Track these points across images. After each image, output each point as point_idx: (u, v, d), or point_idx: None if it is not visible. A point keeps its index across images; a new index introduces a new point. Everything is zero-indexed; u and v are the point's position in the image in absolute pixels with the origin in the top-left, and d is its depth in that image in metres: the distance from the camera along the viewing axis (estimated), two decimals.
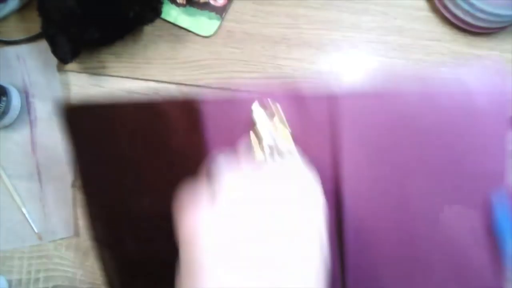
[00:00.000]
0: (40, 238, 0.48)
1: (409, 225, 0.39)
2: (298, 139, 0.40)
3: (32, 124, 0.49)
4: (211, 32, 0.50)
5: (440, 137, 0.38)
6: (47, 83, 0.49)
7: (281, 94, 0.40)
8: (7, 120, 0.47)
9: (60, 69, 0.50)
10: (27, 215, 0.48)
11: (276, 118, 0.40)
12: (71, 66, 0.49)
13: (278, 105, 0.40)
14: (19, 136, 0.49)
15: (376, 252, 0.40)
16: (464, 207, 0.38)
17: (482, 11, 0.46)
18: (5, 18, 0.50)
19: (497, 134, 0.38)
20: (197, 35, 0.50)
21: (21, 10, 0.50)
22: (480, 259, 0.39)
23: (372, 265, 0.40)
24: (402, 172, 0.39)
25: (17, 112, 0.48)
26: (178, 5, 0.50)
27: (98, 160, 0.43)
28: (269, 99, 0.40)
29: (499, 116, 0.38)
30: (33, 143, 0.48)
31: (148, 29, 0.50)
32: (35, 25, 0.48)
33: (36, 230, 0.47)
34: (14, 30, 0.50)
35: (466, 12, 0.47)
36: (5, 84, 0.48)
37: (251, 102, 0.40)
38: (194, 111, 0.41)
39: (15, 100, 0.48)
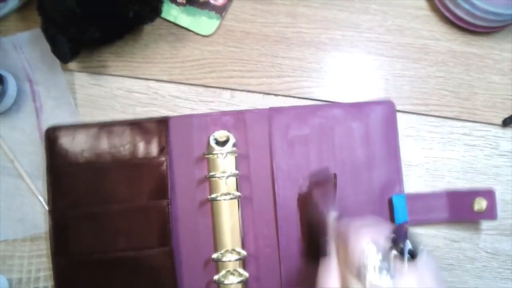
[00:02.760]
0: None
1: None
2: (244, 159, 0.47)
3: (38, 111, 0.49)
4: (211, 31, 0.50)
5: (349, 151, 0.47)
6: (49, 70, 0.49)
7: (231, 119, 0.48)
8: (1, 107, 0.48)
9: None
10: (43, 202, 0.48)
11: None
12: (71, 65, 0.49)
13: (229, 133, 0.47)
14: (26, 125, 0.49)
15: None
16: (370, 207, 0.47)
17: (482, 10, 0.46)
18: (5, 18, 0.50)
19: (391, 151, 0.47)
20: (197, 34, 0.50)
21: (21, 9, 0.50)
22: None
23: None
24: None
25: (11, 100, 0.48)
26: (178, 4, 0.50)
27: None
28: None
29: (389, 137, 0.48)
30: (40, 130, 0.49)
31: (148, 28, 0.50)
32: (35, 25, 0.48)
33: None
34: (14, 29, 0.50)
35: (466, 11, 0.47)
36: (2, 72, 0.48)
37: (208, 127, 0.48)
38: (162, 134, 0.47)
39: (11, 89, 0.48)
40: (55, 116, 0.49)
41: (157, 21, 0.48)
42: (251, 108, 0.48)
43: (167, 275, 0.46)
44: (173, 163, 0.47)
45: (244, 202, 0.46)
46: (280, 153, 0.47)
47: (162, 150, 0.47)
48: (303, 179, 0.46)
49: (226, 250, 0.45)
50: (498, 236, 0.48)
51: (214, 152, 0.46)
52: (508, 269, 0.48)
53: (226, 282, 0.45)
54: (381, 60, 0.50)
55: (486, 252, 0.48)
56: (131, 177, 0.46)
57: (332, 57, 0.50)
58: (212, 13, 0.50)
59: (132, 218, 0.46)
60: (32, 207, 0.48)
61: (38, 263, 0.48)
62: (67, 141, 0.47)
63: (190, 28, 0.50)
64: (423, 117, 0.49)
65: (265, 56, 0.50)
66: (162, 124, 0.47)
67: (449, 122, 0.49)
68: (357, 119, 0.47)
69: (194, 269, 0.46)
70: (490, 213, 0.45)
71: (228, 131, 0.47)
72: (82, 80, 0.50)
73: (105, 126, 0.47)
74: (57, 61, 0.48)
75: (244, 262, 0.46)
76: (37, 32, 0.48)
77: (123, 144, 0.47)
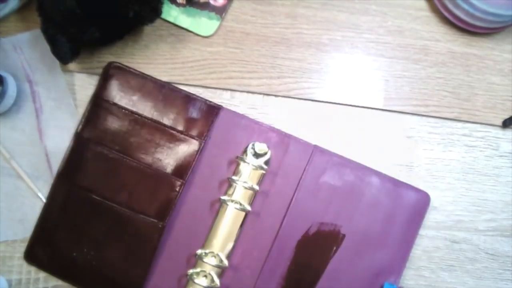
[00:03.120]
0: None
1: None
2: (269, 179, 0.47)
3: (37, 112, 0.49)
4: (211, 32, 0.50)
5: (367, 221, 0.46)
6: (49, 70, 0.49)
7: (276, 137, 0.48)
8: (1, 107, 0.48)
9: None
10: (44, 200, 0.48)
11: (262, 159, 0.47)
12: (71, 66, 0.49)
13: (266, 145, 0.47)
14: (26, 125, 0.49)
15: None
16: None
17: (481, 11, 0.47)
18: (5, 18, 0.50)
19: (406, 241, 0.47)
20: (197, 35, 0.50)
21: (21, 10, 0.50)
22: None
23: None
24: (329, 234, 0.47)
25: (11, 101, 0.48)
26: (178, 5, 0.50)
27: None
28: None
29: (411, 227, 0.47)
30: (40, 131, 0.49)
31: (148, 29, 0.50)
32: (35, 25, 0.48)
33: None
34: (14, 30, 0.50)
35: (466, 12, 0.47)
36: (2, 72, 0.48)
37: (253, 132, 0.47)
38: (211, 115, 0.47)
39: (11, 89, 0.48)
40: (55, 116, 0.49)
41: (157, 22, 0.48)
42: (298, 137, 0.47)
43: (148, 248, 0.46)
44: (205, 151, 0.47)
45: (250, 217, 0.46)
46: (305, 191, 0.47)
47: (202, 134, 0.47)
48: (315, 224, 0.46)
49: (211, 252, 0.45)
50: (498, 237, 0.48)
51: (247, 160, 0.46)
52: (508, 270, 0.48)
53: (196, 281, 0.45)
54: (381, 61, 0.50)
55: (487, 253, 0.48)
56: (162, 144, 0.47)
57: (332, 58, 0.50)
58: (212, 14, 0.50)
59: (144, 180, 0.46)
60: (32, 208, 0.48)
61: None
62: (122, 82, 0.48)
63: (190, 29, 0.50)
64: (423, 118, 0.49)
65: (265, 57, 0.50)
66: (213, 110, 0.47)
67: (449, 123, 0.49)
68: (389, 196, 0.47)
69: (175, 256, 0.46)
70: None
71: (268, 147, 0.47)
72: (82, 81, 0.50)
73: (163, 87, 0.48)
74: (57, 62, 0.48)
75: (222, 271, 0.46)
76: (37, 32, 0.48)
77: (171, 110, 0.47)
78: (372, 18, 0.51)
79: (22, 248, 0.48)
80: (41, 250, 0.46)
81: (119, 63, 0.48)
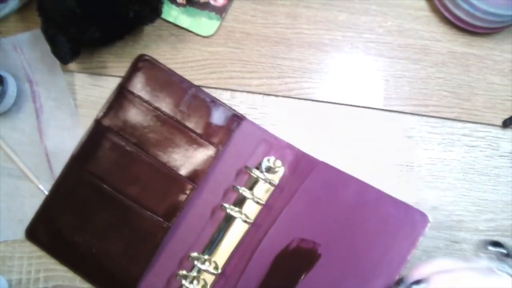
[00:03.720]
0: None
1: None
2: (277, 192, 0.46)
3: (38, 112, 0.49)
4: (211, 32, 0.50)
5: (361, 239, 0.44)
6: (49, 70, 0.49)
7: (291, 156, 0.47)
8: (1, 107, 0.47)
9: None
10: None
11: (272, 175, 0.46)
12: (71, 66, 0.49)
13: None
14: (26, 125, 0.49)
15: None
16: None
17: (481, 11, 0.47)
18: (5, 18, 0.50)
19: (398, 262, 0.42)
20: (197, 35, 0.50)
21: (21, 10, 0.50)
22: None
23: None
24: (325, 250, 0.44)
25: (11, 101, 0.48)
26: (178, 5, 0.50)
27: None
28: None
29: (403, 247, 0.43)
30: (40, 131, 0.49)
31: (148, 29, 0.50)
32: (35, 25, 0.48)
33: None
34: (14, 30, 0.50)
35: (466, 12, 0.47)
36: (2, 72, 0.48)
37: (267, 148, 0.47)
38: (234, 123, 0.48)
39: (11, 89, 0.48)
40: (55, 116, 0.49)
41: (157, 22, 0.48)
42: (312, 155, 0.47)
43: (149, 245, 0.46)
44: (221, 159, 0.47)
45: (252, 229, 0.46)
46: (297, 205, 0.45)
47: (221, 141, 0.47)
48: (294, 240, 0.44)
49: (208, 258, 0.45)
50: (499, 237, 0.48)
51: (259, 174, 0.46)
52: None
53: (186, 284, 0.45)
54: (381, 61, 0.50)
55: None
56: (180, 144, 0.47)
57: (332, 58, 0.50)
58: (212, 14, 0.50)
59: (156, 178, 0.46)
60: (32, 208, 0.48)
61: (38, 264, 0.48)
62: (149, 76, 0.48)
63: (190, 29, 0.50)
64: (423, 118, 0.49)
65: (265, 57, 0.50)
66: (236, 119, 0.48)
67: (449, 123, 0.49)
68: (387, 220, 0.44)
69: (176, 257, 0.46)
70: None
71: (282, 164, 0.47)
72: (82, 80, 0.50)
73: (190, 88, 0.48)
74: (57, 62, 0.48)
75: (216, 279, 0.45)
76: (37, 32, 0.48)
77: (194, 112, 0.47)
78: (372, 18, 0.51)
79: (22, 248, 0.48)
80: (44, 229, 0.47)
81: (150, 56, 0.48)
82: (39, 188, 0.48)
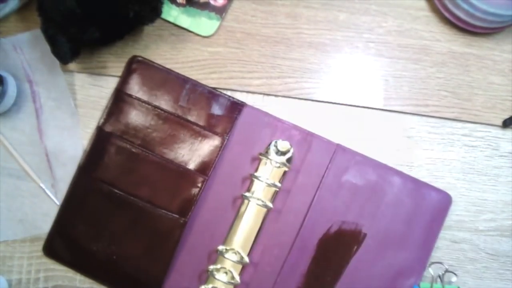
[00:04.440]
0: None
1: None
2: (292, 176, 0.47)
3: (38, 112, 0.49)
4: (211, 32, 0.50)
5: (389, 221, 0.46)
6: (49, 70, 0.49)
7: (298, 135, 0.48)
8: (1, 107, 0.47)
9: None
10: (54, 199, 0.48)
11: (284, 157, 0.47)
12: (71, 66, 0.49)
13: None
14: (26, 125, 0.49)
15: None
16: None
17: (481, 11, 0.47)
18: (5, 18, 0.50)
19: (427, 241, 0.46)
20: (197, 35, 0.50)
21: (21, 10, 0.50)
22: None
23: None
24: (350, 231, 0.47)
25: (11, 101, 0.48)
26: (178, 5, 0.50)
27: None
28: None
29: (433, 227, 0.47)
30: (40, 131, 0.49)
31: (148, 29, 0.50)
32: (35, 25, 0.48)
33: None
34: (14, 30, 0.50)
35: (466, 12, 0.48)
36: (2, 72, 0.48)
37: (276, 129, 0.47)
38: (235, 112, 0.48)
39: (11, 89, 0.48)
40: (55, 116, 0.49)
41: (157, 22, 0.48)
42: (321, 135, 0.48)
43: (169, 243, 0.46)
44: (227, 147, 0.47)
45: (272, 214, 0.46)
46: (327, 189, 0.47)
47: (225, 130, 0.47)
48: (336, 223, 0.46)
49: (232, 249, 0.45)
50: (499, 237, 0.48)
51: (270, 157, 0.46)
52: (509, 270, 0.48)
53: (217, 277, 0.45)
54: (381, 61, 0.50)
55: (487, 253, 0.48)
56: (184, 139, 0.47)
57: (332, 58, 0.50)
58: (212, 14, 0.50)
59: (166, 175, 0.46)
60: (32, 208, 0.48)
61: (38, 264, 0.48)
62: (145, 76, 0.48)
63: (190, 29, 0.50)
64: (423, 118, 0.49)
65: (266, 57, 0.50)
66: (237, 107, 0.48)
67: (449, 123, 0.49)
68: (411, 196, 0.47)
69: (196, 252, 0.46)
70: None
71: (291, 144, 0.47)
72: (82, 80, 0.50)
73: (186, 82, 0.48)
74: (57, 62, 0.48)
75: (242, 268, 0.46)
76: (37, 32, 0.48)
77: (194, 105, 0.47)
78: (372, 18, 0.51)
79: (22, 248, 0.48)
80: (61, 244, 0.47)
81: (142, 57, 0.48)
82: (41, 187, 0.48)
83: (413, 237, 0.46)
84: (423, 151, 0.49)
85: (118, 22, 0.46)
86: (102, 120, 0.47)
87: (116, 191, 0.46)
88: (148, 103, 0.47)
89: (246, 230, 0.46)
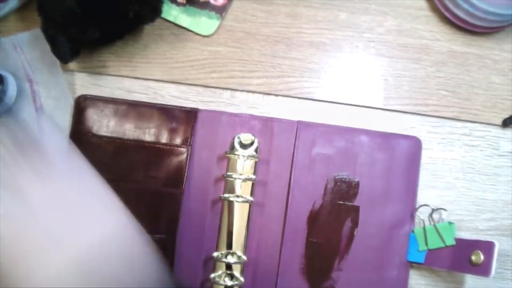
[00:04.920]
0: None
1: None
2: (264, 166, 0.47)
3: (38, 111, 0.49)
4: (211, 32, 0.50)
5: (368, 180, 0.47)
6: (49, 70, 0.49)
7: (258, 124, 0.48)
8: (1, 107, 0.47)
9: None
10: None
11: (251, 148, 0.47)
12: (71, 65, 0.49)
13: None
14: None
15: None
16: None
17: (481, 10, 0.47)
18: (5, 18, 0.50)
19: (410, 189, 0.47)
20: (197, 34, 0.50)
21: (20, 9, 0.50)
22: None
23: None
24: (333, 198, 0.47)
25: (11, 100, 0.48)
26: (178, 4, 0.50)
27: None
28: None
29: (411, 174, 0.48)
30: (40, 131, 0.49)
31: (148, 28, 0.50)
32: (35, 25, 0.48)
33: None
34: (14, 29, 0.50)
35: (466, 12, 0.48)
36: (2, 72, 0.48)
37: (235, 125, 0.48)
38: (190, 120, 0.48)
39: (11, 89, 0.48)
40: (55, 116, 0.49)
41: (157, 21, 0.48)
42: (280, 118, 0.48)
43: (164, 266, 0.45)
44: (194, 156, 0.47)
45: (255, 208, 0.47)
46: (301, 167, 0.47)
47: (186, 140, 0.47)
48: (318, 197, 0.47)
49: (228, 252, 0.45)
50: (498, 236, 0.48)
51: (236, 153, 0.46)
52: (508, 269, 0.48)
53: (221, 282, 0.45)
54: (381, 61, 0.50)
55: None
56: (150, 160, 0.47)
57: (332, 57, 0.50)
58: (212, 13, 0.50)
59: (143, 202, 0.46)
60: None
61: None
62: (95, 112, 0.48)
63: (190, 28, 0.50)
64: (423, 117, 0.49)
65: (266, 56, 0.50)
66: (191, 114, 0.48)
67: (449, 122, 0.50)
68: (382, 150, 0.47)
69: (193, 263, 0.46)
70: (485, 268, 0.42)
71: (254, 135, 0.47)
72: (82, 80, 0.50)
73: (136, 106, 0.48)
74: (57, 61, 0.48)
75: (242, 267, 0.46)
76: (37, 32, 0.47)
77: (149, 126, 0.47)
78: (372, 18, 0.51)
79: None
80: None
81: (87, 94, 0.49)
82: None
83: (394, 189, 0.47)
84: (423, 151, 0.49)
85: (118, 22, 0.46)
86: None
87: None
88: (106, 137, 0.47)
89: (236, 229, 0.46)
